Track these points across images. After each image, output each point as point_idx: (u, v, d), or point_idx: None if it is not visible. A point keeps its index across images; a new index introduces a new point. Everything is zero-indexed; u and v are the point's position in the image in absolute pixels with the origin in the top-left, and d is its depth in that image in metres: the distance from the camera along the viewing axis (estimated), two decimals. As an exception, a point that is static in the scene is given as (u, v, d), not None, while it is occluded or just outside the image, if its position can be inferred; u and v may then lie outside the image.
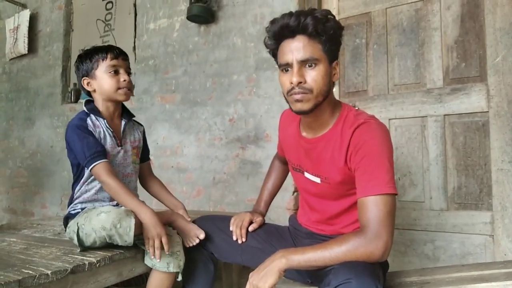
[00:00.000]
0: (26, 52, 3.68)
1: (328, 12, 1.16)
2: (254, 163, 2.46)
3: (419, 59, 2.07)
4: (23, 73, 3.85)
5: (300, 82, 1.14)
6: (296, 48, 1.14)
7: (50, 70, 3.62)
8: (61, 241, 1.47)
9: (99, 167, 1.33)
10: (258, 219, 1.49)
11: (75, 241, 1.29)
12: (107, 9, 3.34)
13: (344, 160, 1.18)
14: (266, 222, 1.55)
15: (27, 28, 3.67)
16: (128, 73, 1.49)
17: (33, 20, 3.72)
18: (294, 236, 1.46)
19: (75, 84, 3.47)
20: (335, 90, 2.29)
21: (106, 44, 3.24)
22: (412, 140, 2.06)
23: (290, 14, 1.14)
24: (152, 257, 1.29)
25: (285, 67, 1.18)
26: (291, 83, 1.14)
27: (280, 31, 1.16)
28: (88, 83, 1.47)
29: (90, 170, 1.35)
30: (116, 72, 1.45)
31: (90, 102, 1.50)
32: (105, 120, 1.45)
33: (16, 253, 1.28)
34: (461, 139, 1.95)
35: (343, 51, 2.29)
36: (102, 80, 1.44)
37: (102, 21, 3.36)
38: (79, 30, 3.55)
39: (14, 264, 1.12)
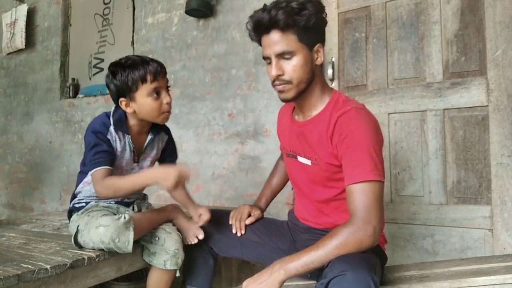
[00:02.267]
0: (24, 47, 3.67)
1: (305, 1, 1.15)
2: (253, 158, 2.46)
3: (419, 53, 2.06)
4: (21, 68, 3.83)
5: (279, 75, 1.19)
6: (272, 43, 1.17)
7: (48, 65, 3.61)
8: (60, 236, 1.47)
9: (97, 173, 1.28)
10: (256, 212, 1.50)
11: (73, 242, 1.29)
12: (105, 4, 3.32)
13: (330, 143, 1.20)
14: (265, 217, 1.55)
15: (25, 23, 3.65)
16: (168, 88, 1.38)
17: (30, 15, 3.71)
18: (292, 231, 1.46)
19: (73, 79, 3.46)
20: (335, 85, 2.28)
21: (104, 39, 3.26)
22: (412, 135, 2.06)
23: (264, 9, 1.17)
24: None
25: (266, 60, 1.23)
26: (272, 76, 1.20)
27: (255, 28, 1.20)
28: (126, 104, 1.34)
29: (91, 174, 1.31)
30: (158, 94, 1.33)
31: (119, 113, 1.38)
32: (129, 136, 1.38)
33: (16, 248, 1.28)
34: (460, 133, 1.94)
35: (343, 46, 2.28)
36: (144, 104, 1.32)
37: (100, 15, 3.35)
38: (77, 25, 3.53)
39: (14, 259, 1.12)
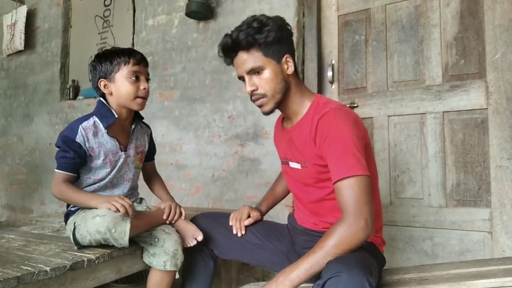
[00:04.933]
0: (23, 49, 3.67)
1: (265, 18, 1.24)
2: (253, 160, 2.46)
3: (418, 56, 2.06)
4: (21, 70, 3.84)
5: (253, 90, 1.27)
6: (240, 63, 1.27)
7: (48, 66, 3.61)
8: (60, 238, 1.47)
9: (58, 174, 1.35)
10: (255, 214, 1.51)
11: (72, 240, 1.29)
12: (105, 6, 3.32)
13: (314, 145, 1.24)
14: (265, 220, 1.55)
15: (24, 24, 3.65)
16: (147, 80, 1.46)
17: (31, 16, 3.71)
18: (292, 233, 1.47)
19: (73, 81, 3.46)
20: (334, 87, 2.29)
21: (105, 41, 3.27)
22: (411, 137, 2.06)
23: (226, 34, 1.28)
24: (122, 212, 1.22)
25: (241, 80, 1.31)
26: (248, 92, 1.28)
27: (224, 53, 1.30)
28: (105, 85, 1.41)
29: (55, 171, 1.36)
30: (137, 79, 1.41)
31: (99, 106, 1.44)
32: (106, 130, 1.40)
33: (15, 250, 1.28)
34: (460, 136, 1.95)
35: (342, 48, 2.29)
36: (121, 85, 1.39)
37: (101, 17, 3.35)
38: (78, 27, 3.54)
39: (13, 261, 1.12)
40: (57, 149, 1.38)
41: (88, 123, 1.39)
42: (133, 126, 1.50)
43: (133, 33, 3.08)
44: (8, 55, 3.88)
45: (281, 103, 1.30)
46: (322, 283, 0.96)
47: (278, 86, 1.26)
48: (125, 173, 1.49)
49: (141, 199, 1.61)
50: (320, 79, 2.32)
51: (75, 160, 1.36)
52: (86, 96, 3.35)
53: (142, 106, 1.45)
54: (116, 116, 1.41)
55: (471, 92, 1.91)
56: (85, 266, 1.17)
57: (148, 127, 1.64)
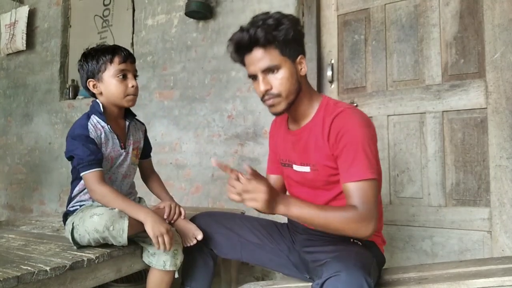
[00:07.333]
0: (24, 48, 3.67)
1: (280, 16, 1.21)
2: (252, 160, 2.46)
3: (418, 56, 2.06)
4: (21, 69, 3.83)
5: (268, 89, 1.22)
6: (255, 60, 1.21)
7: (48, 66, 3.61)
8: (59, 238, 1.47)
9: (92, 175, 1.30)
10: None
11: (71, 240, 1.29)
12: (104, 5, 3.32)
13: (327, 146, 1.23)
14: (264, 218, 1.55)
15: (26, 24, 3.65)
16: (135, 76, 1.46)
17: (30, 16, 3.70)
18: (292, 232, 1.47)
19: (73, 81, 3.46)
20: (334, 86, 2.29)
21: (104, 41, 3.27)
22: (411, 137, 2.06)
23: (242, 29, 1.21)
24: (162, 250, 1.26)
25: (253, 77, 1.26)
26: (261, 91, 1.23)
27: (237, 49, 1.24)
28: (94, 85, 1.42)
29: (82, 175, 1.32)
30: (124, 77, 1.41)
31: (95, 106, 1.45)
32: (108, 126, 1.42)
33: (15, 249, 1.28)
34: (459, 135, 1.95)
35: (342, 48, 2.29)
36: (110, 85, 1.40)
37: (100, 17, 3.35)
38: (77, 26, 3.53)
39: (13, 261, 1.12)
40: (60, 152, 1.36)
41: (92, 120, 1.40)
42: (127, 123, 1.51)
43: (133, 33, 3.08)
44: (8, 55, 3.87)
45: (292, 105, 1.26)
46: (321, 283, 0.97)
47: (293, 86, 1.23)
48: (123, 170, 1.49)
49: (140, 198, 1.61)
50: (320, 78, 2.32)
51: (98, 153, 1.35)
52: (85, 96, 3.34)
53: (133, 102, 1.45)
54: (107, 124, 1.41)
55: (470, 91, 1.91)
56: (85, 265, 1.17)
57: (142, 124, 1.65)
